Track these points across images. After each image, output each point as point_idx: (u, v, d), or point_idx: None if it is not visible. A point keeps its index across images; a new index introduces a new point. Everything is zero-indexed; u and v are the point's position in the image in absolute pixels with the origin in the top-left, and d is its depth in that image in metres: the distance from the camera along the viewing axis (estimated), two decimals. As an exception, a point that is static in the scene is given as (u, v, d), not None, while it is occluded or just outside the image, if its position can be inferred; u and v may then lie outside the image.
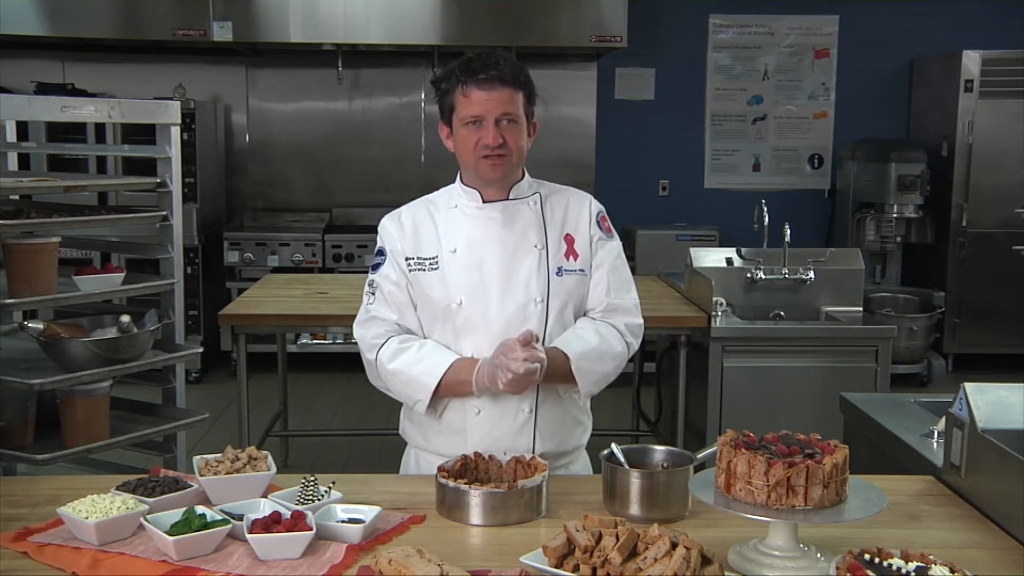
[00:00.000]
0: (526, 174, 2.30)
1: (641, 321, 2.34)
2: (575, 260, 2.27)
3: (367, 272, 2.36)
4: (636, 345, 2.33)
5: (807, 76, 7.40)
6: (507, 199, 2.26)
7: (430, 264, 2.25)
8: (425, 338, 2.28)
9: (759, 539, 1.75)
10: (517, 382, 2.09)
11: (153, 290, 3.09)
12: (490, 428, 2.23)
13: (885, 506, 1.70)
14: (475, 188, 2.26)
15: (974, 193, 6.68)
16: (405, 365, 2.21)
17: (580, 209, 2.31)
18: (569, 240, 2.28)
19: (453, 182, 2.33)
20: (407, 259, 2.27)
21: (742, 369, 4.05)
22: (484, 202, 2.26)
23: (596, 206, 2.34)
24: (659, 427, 4.74)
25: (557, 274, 2.25)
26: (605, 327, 2.28)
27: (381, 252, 2.32)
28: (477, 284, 2.22)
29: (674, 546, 1.58)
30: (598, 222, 2.31)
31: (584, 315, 2.31)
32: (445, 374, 2.18)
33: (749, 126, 7.44)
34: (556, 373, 2.17)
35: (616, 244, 2.35)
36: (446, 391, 2.21)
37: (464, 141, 2.19)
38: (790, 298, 4.33)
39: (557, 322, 2.25)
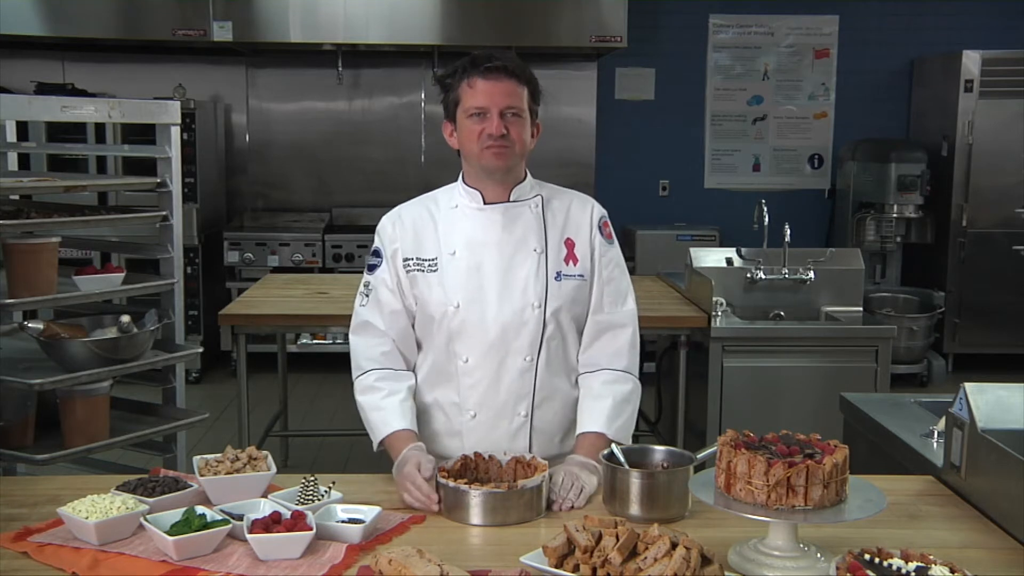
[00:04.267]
0: (528, 175, 2.28)
1: (634, 330, 2.33)
2: (575, 265, 2.26)
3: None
4: (637, 359, 2.33)
5: (807, 76, 7.39)
6: (508, 200, 2.25)
7: (429, 265, 2.25)
8: (418, 342, 2.29)
9: (759, 539, 1.75)
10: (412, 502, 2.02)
11: (153, 290, 3.09)
12: (486, 432, 2.24)
13: (885, 506, 1.70)
14: (477, 189, 2.25)
15: (974, 193, 6.67)
16: (368, 405, 2.25)
17: (582, 213, 2.30)
18: (569, 244, 2.27)
19: (453, 182, 2.32)
20: (406, 260, 2.26)
21: (742, 369, 4.05)
22: (485, 203, 2.25)
23: (599, 211, 2.32)
24: (659, 427, 4.74)
25: (556, 279, 2.24)
26: (606, 376, 2.27)
27: (377, 253, 2.31)
28: (475, 288, 2.21)
29: (674, 546, 1.58)
30: (600, 227, 2.30)
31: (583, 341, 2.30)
32: (386, 437, 2.19)
33: (749, 126, 7.44)
34: (597, 447, 2.12)
35: (617, 251, 2.34)
36: None
37: (468, 133, 2.18)
38: (790, 298, 4.33)
39: (555, 328, 2.24)
